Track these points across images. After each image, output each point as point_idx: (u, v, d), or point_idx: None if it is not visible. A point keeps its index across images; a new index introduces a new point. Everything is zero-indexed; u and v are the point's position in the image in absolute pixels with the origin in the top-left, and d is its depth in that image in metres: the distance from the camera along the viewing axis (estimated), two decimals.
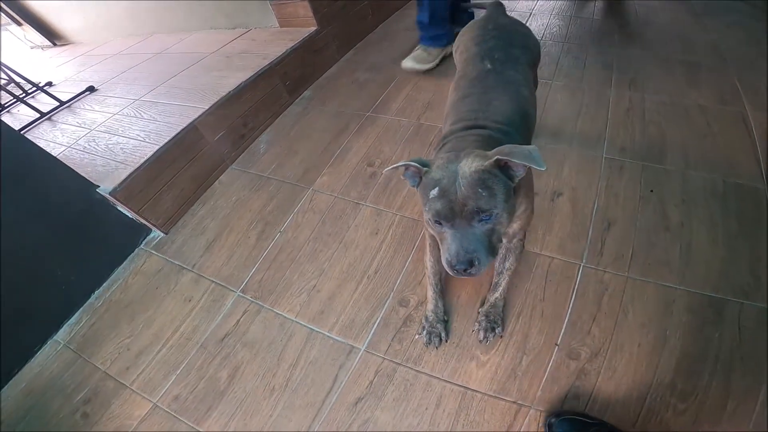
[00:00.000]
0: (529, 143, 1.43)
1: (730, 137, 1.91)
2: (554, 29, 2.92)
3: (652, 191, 1.76)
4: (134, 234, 2.03)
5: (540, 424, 1.31)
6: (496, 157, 1.03)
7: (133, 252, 2.02)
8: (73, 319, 1.83)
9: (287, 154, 2.23)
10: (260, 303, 1.74)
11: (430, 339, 1.53)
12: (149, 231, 2.05)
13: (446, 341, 1.53)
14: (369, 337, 1.58)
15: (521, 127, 1.41)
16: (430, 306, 1.57)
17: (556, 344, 1.45)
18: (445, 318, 1.57)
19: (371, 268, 1.76)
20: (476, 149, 1.15)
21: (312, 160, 2.17)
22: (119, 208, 1.92)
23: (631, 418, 1.28)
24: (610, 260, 1.60)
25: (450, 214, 1.06)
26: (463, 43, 1.71)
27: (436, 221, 1.10)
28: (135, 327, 1.77)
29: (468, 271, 1.06)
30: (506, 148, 1.04)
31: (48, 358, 1.73)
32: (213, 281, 1.84)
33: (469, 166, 1.06)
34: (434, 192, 1.08)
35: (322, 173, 2.11)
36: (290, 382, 1.53)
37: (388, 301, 1.66)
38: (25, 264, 1.70)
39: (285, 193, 2.07)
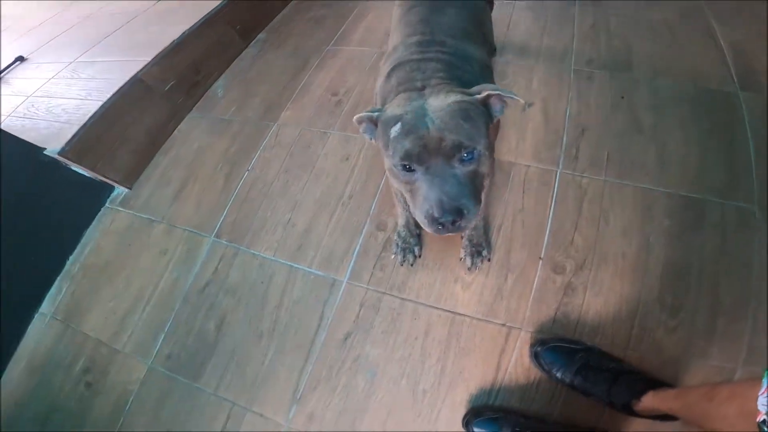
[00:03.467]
0: (488, 61, 1.21)
1: (696, 47, 1.76)
2: None
3: (623, 98, 1.62)
4: (96, 193, 1.79)
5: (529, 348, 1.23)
6: (487, 93, 0.84)
7: (99, 212, 1.78)
8: (53, 290, 1.66)
9: (247, 96, 1.98)
10: (236, 245, 1.57)
11: (404, 256, 1.40)
12: (112, 188, 1.82)
13: (419, 256, 1.41)
14: (350, 268, 1.44)
15: (479, 39, 1.20)
16: (400, 221, 1.41)
17: (539, 258, 1.35)
18: (418, 231, 1.42)
19: (345, 194, 1.60)
20: (443, 82, 0.93)
21: (273, 97, 1.93)
22: (74, 168, 1.68)
23: (623, 339, 1.20)
24: (586, 165, 1.48)
25: (423, 152, 0.80)
26: None
27: (404, 166, 0.83)
28: (116, 288, 1.60)
29: (457, 223, 0.81)
30: (488, 85, 0.86)
31: (39, 333, 1.58)
32: (186, 230, 1.64)
33: (445, 99, 0.83)
34: (396, 129, 0.82)
35: (286, 108, 1.88)
36: (277, 325, 1.41)
37: (365, 227, 1.51)
38: None
39: (249, 133, 1.85)
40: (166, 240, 1.65)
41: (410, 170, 0.83)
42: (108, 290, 1.61)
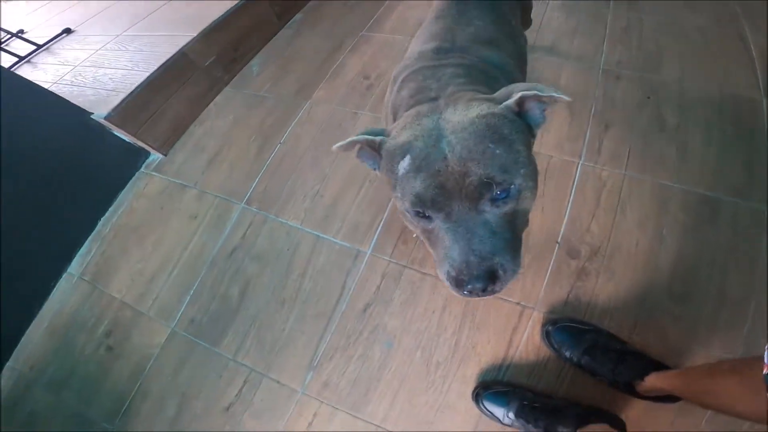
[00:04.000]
0: (523, 54, 1.13)
1: (727, 52, 1.75)
2: None
3: (649, 98, 1.62)
4: (133, 158, 1.85)
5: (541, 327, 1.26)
6: (520, 94, 0.61)
7: (134, 176, 1.84)
8: (83, 250, 1.70)
9: (282, 74, 2.02)
10: (265, 213, 1.61)
11: None
12: (148, 154, 1.88)
13: None
14: (374, 240, 1.47)
15: (513, 53, 1.05)
16: None
17: (557, 242, 1.37)
18: None
19: (372, 172, 1.64)
20: (462, 89, 0.74)
21: (307, 77, 1.97)
22: (116, 133, 1.74)
23: (629, 324, 1.22)
24: (607, 158, 1.49)
25: (440, 194, 0.59)
26: None
27: (417, 213, 0.63)
28: (144, 250, 1.65)
29: (490, 288, 0.60)
30: (517, 84, 0.64)
31: (65, 293, 1.62)
32: (217, 196, 1.69)
33: (464, 112, 0.63)
34: (405, 164, 0.61)
35: (319, 88, 1.92)
36: (300, 292, 1.45)
37: (390, 203, 1.54)
38: (27, 201, 1.55)
39: (282, 109, 1.88)
40: (197, 205, 1.70)
41: (426, 217, 0.63)
42: (137, 252, 1.65)
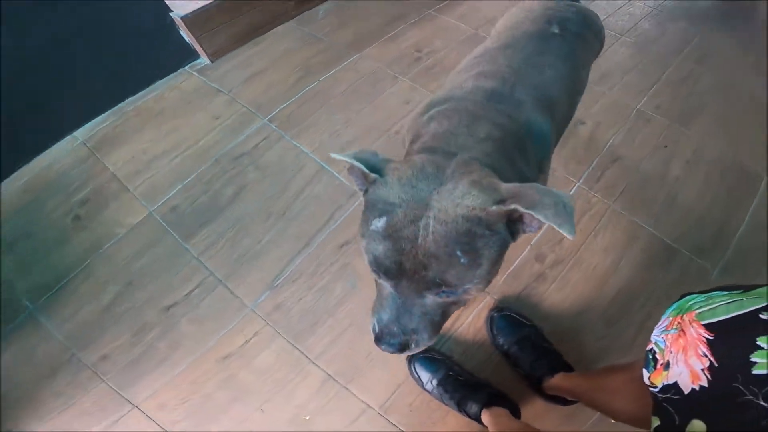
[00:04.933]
0: (555, 144, 0.98)
1: (761, 125, 1.72)
2: None
3: (666, 147, 1.63)
4: (184, 56, 1.89)
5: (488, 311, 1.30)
6: (513, 206, 0.55)
7: (176, 71, 1.89)
8: (98, 119, 1.72)
9: (342, 24, 2.06)
10: (283, 132, 1.64)
11: None
12: (197, 57, 1.95)
13: None
14: None
15: (564, 118, 1.01)
16: None
17: (530, 244, 1.40)
18: None
19: (392, 129, 1.65)
20: (479, 163, 0.65)
21: (364, 33, 2.01)
22: (181, 32, 1.80)
23: (560, 330, 1.27)
24: (602, 187, 1.53)
25: (396, 270, 0.59)
26: (523, 8, 1.16)
27: (373, 270, 0.64)
28: (157, 133, 1.67)
29: (400, 352, 0.66)
30: (531, 189, 0.56)
31: (60, 154, 1.63)
32: (245, 106, 1.73)
33: (456, 200, 0.57)
34: (379, 225, 0.60)
35: (372, 46, 1.95)
36: (288, 210, 1.46)
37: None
38: (72, 51, 1.56)
39: (333, 52, 1.93)
40: (224, 109, 1.74)
41: (377, 274, 0.64)
42: (149, 134, 1.68)
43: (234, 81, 1.84)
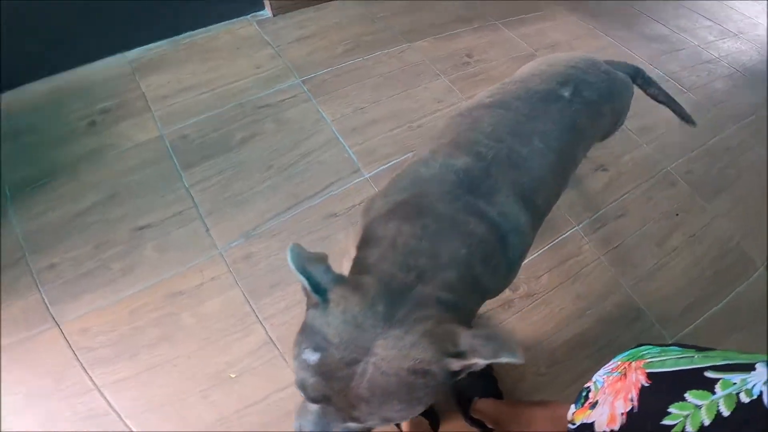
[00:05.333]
0: (536, 231, 0.82)
1: None
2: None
3: (677, 215, 1.53)
4: (250, 5, 1.95)
5: None
6: (474, 360, 0.50)
7: (239, 17, 1.94)
8: (152, 45, 1.78)
9: (402, 12, 2.06)
10: (311, 96, 1.65)
11: None
12: (261, 8, 1.99)
13: None
14: (377, 171, 1.47)
15: (545, 204, 0.83)
16: None
17: None
18: None
19: (416, 122, 1.63)
20: (437, 304, 0.57)
21: (420, 26, 2.00)
22: None
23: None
24: (598, 239, 1.45)
25: (321, 401, 0.54)
26: (546, 61, 1.01)
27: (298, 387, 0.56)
28: (199, 69, 1.72)
29: None
30: (491, 338, 0.50)
31: (105, 67, 1.69)
32: (286, 63, 1.75)
33: (404, 351, 0.50)
34: (311, 359, 0.52)
35: (424, 39, 1.93)
36: (290, 168, 1.46)
37: (410, 153, 1.50)
38: None
39: (385, 35, 1.93)
40: (266, 61, 1.77)
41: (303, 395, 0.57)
42: (192, 67, 1.73)
43: (285, 38, 1.87)
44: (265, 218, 1.36)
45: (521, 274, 1.33)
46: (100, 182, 1.38)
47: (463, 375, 0.54)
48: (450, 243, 0.63)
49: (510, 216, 0.71)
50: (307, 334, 0.55)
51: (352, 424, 0.54)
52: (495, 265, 0.69)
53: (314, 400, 0.54)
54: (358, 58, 1.82)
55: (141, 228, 1.31)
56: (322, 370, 0.52)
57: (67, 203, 1.33)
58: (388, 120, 1.62)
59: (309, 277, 0.55)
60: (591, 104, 0.89)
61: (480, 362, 0.49)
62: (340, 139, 1.55)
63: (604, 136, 1.08)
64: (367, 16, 2.01)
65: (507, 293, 1.30)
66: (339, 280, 0.57)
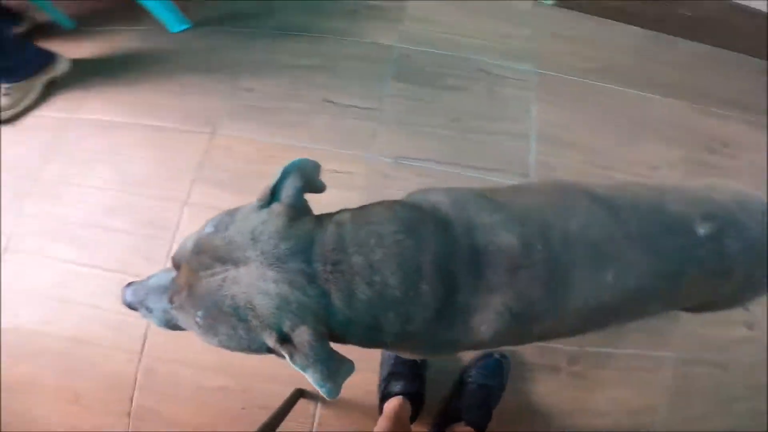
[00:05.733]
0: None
1: None
2: None
3: None
4: None
5: None
6: (284, 354, 0.50)
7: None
8: None
9: (682, 65, 1.79)
10: (536, 92, 1.61)
11: None
12: None
13: None
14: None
15: (528, 336, 0.69)
16: None
17: None
18: None
19: (610, 171, 1.50)
20: (312, 295, 0.52)
21: (689, 86, 1.71)
22: None
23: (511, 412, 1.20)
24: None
25: (177, 269, 0.57)
26: (715, 183, 0.78)
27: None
28: (459, 12, 1.74)
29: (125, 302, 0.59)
30: (322, 360, 0.49)
31: None
32: (534, 48, 1.71)
33: (250, 290, 0.51)
34: (207, 230, 0.56)
35: (682, 100, 1.68)
36: (473, 132, 1.49)
37: None
38: None
39: (642, 77, 1.72)
40: (517, 37, 1.74)
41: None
42: (455, 7, 1.77)
43: (548, 28, 1.79)
44: (422, 156, 1.41)
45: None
46: (327, 54, 1.58)
47: (274, 356, 0.52)
48: (398, 275, 0.54)
49: (481, 322, 0.59)
50: (227, 213, 0.56)
51: (168, 308, 0.55)
52: (426, 325, 0.58)
53: (173, 261, 0.56)
54: (601, 82, 1.69)
55: (329, 101, 1.48)
56: (200, 243, 0.53)
57: (294, 55, 1.57)
58: (589, 153, 1.50)
59: (279, 182, 0.56)
60: (724, 258, 0.65)
61: (290, 363, 0.48)
62: (533, 139, 1.49)
63: (714, 305, 0.80)
64: (639, 50, 1.83)
65: (563, 363, 1.23)
66: (295, 203, 0.56)
